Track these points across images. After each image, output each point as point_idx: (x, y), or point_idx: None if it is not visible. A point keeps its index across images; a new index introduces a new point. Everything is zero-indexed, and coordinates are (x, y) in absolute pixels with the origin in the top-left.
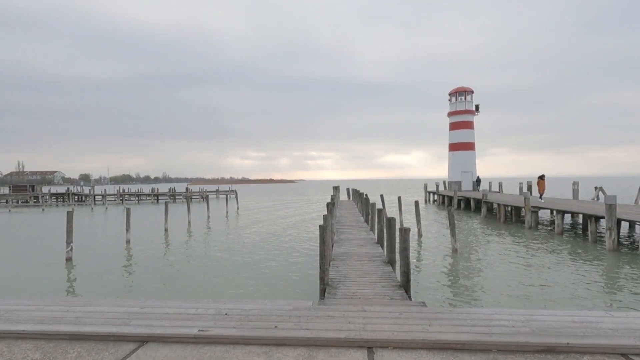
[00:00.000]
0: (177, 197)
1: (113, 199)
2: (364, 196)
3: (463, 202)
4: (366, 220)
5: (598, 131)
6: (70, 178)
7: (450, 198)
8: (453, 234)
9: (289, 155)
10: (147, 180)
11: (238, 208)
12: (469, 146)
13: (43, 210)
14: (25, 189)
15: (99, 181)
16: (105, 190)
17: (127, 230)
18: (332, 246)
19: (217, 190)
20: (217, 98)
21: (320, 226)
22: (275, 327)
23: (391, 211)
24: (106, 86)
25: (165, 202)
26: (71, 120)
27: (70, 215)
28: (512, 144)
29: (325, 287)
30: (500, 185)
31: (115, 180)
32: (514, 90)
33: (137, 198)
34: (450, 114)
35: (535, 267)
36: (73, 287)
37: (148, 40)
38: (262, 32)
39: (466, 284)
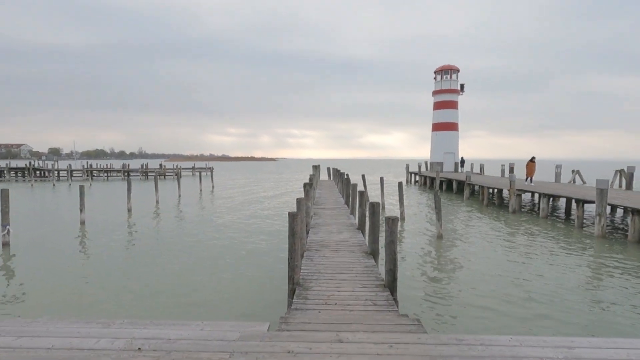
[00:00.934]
0: (149, 174)
1: (79, 175)
2: (345, 176)
3: (445, 184)
4: (346, 202)
5: (574, 116)
6: (38, 152)
7: (433, 179)
8: (439, 219)
9: (271, 133)
10: (122, 155)
11: (213, 187)
12: (452, 126)
13: None
14: None
15: (70, 156)
16: (70, 165)
17: (81, 210)
18: (308, 232)
19: (193, 168)
20: (196, 71)
21: (290, 214)
22: None
23: (373, 193)
24: (78, 56)
25: (128, 180)
26: (39, 90)
27: (5, 194)
28: (492, 127)
29: (294, 287)
30: (481, 167)
31: (87, 155)
32: (496, 74)
33: (106, 174)
34: (435, 93)
35: (525, 256)
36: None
37: (123, 8)
38: (245, 4)
39: (455, 280)
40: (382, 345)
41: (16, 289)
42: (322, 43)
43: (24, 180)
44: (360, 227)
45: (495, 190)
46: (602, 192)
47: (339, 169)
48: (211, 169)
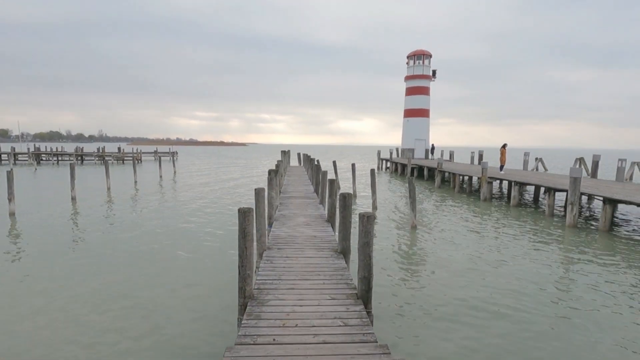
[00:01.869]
0: (106, 158)
1: (25, 159)
2: (315, 162)
3: (416, 170)
4: (316, 191)
5: (532, 106)
6: None
7: (404, 166)
8: (413, 209)
9: (241, 118)
10: (80, 138)
11: (175, 172)
12: (423, 113)
13: None
14: None
15: (21, 138)
16: (13, 148)
17: (10, 199)
18: (271, 226)
19: (156, 152)
20: (163, 51)
21: (240, 211)
22: None
23: (344, 180)
24: (29, 29)
25: (71, 164)
26: None
27: None
28: (457, 115)
29: (246, 301)
30: (451, 154)
31: (40, 137)
32: (464, 64)
33: (56, 158)
34: (407, 78)
35: (501, 249)
36: None
37: None
38: None
39: (432, 283)
40: None
41: None
42: (293, 25)
43: None
44: (330, 220)
45: (467, 178)
46: (575, 181)
47: (309, 154)
48: (173, 154)
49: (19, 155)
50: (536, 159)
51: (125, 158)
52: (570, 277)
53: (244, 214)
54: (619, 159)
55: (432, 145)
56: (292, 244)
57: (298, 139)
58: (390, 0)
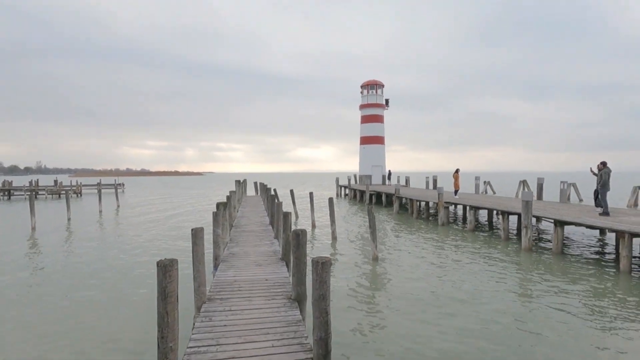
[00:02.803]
0: (39, 193)
1: None
2: (271, 192)
3: (375, 197)
4: (271, 223)
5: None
6: None
7: (362, 192)
8: (374, 239)
9: (196, 146)
10: (14, 171)
11: (119, 206)
12: (379, 140)
13: None
14: None
15: None
16: None
17: None
18: (217, 267)
19: (99, 184)
20: (113, 79)
21: (159, 264)
22: None
23: (303, 209)
24: None
25: None
26: None
27: None
28: (410, 142)
29: None
30: (407, 179)
31: None
32: (411, 92)
33: None
34: (362, 107)
35: (464, 278)
36: None
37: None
38: (165, 11)
39: (397, 316)
40: None
41: None
42: (250, 55)
43: None
44: (285, 258)
45: (424, 203)
46: (527, 205)
47: (267, 183)
48: (119, 186)
49: None
50: (485, 182)
51: (63, 192)
52: (534, 305)
53: (164, 268)
54: (561, 182)
55: (389, 171)
56: (238, 291)
57: (257, 167)
58: (343, 35)
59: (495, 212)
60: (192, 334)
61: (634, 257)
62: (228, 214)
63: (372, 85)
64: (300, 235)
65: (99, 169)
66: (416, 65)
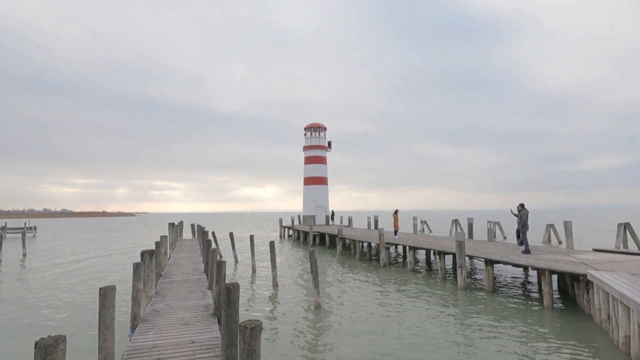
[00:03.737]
0: None
1: None
2: (208, 236)
3: (318, 238)
4: (206, 270)
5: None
6: None
7: (306, 233)
8: (316, 286)
9: (130, 185)
10: None
11: (25, 255)
12: (322, 180)
13: None
14: None
15: None
16: None
17: None
18: (135, 329)
19: (3, 228)
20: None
21: (39, 345)
22: None
23: (242, 251)
24: None
25: None
26: None
27: None
28: (352, 182)
29: None
30: (350, 219)
31: None
32: (352, 136)
33: None
34: (305, 148)
35: (406, 322)
36: None
37: None
38: (102, 39)
39: None
40: None
41: None
42: (193, 92)
43: None
44: (218, 313)
45: (366, 244)
46: (461, 245)
47: (209, 222)
48: (27, 230)
49: None
50: (422, 221)
51: None
52: (474, 351)
53: (44, 350)
54: (488, 221)
55: (332, 211)
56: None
57: (198, 206)
58: (286, 81)
59: (432, 251)
60: None
61: (555, 290)
62: (156, 262)
63: (315, 128)
64: (232, 291)
65: (7, 210)
66: (356, 112)
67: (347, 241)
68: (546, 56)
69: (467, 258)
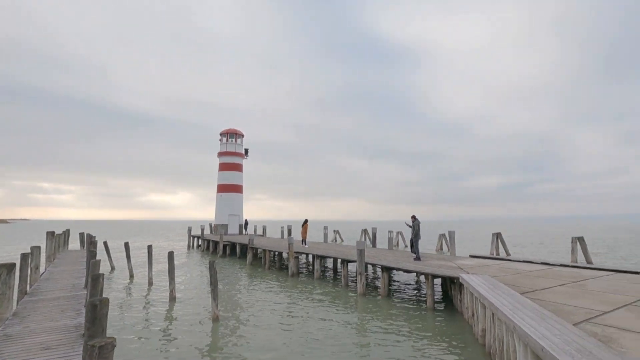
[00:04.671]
0: None
1: None
2: (96, 246)
3: (229, 248)
4: (87, 285)
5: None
6: None
7: (216, 243)
8: (215, 297)
9: (5, 186)
10: None
11: None
12: (237, 188)
13: None
14: None
15: None
16: None
17: None
18: None
19: None
20: None
21: None
22: None
23: (138, 266)
24: None
25: None
26: None
27: None
28: (271, 191)
29: None
30: (264, 228)
31: None
32: (272, 146)
33: None
34: (220, 154)
35: (302, 325)
36: None
37: None
38: None
39: None
40: None
41: None
42: (93, 84)
43: None
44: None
45: (276, 253)
46: (361, 253)
47: (103, 233)
48: None
49: None
50: (334, 231)
51: None
52: (369, 345)
53: None
54: (389, 231)
55: (246, 220)
56: None
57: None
58: (204, 80)
59: (339, 260)
60: None
61: (439, 293)
62: (20, 278)
63: (231, 134)
64: (98, 307)
65: None
66: (279, 122)
67: (258, 251)
68: (444, 87)
69: (369, 265)
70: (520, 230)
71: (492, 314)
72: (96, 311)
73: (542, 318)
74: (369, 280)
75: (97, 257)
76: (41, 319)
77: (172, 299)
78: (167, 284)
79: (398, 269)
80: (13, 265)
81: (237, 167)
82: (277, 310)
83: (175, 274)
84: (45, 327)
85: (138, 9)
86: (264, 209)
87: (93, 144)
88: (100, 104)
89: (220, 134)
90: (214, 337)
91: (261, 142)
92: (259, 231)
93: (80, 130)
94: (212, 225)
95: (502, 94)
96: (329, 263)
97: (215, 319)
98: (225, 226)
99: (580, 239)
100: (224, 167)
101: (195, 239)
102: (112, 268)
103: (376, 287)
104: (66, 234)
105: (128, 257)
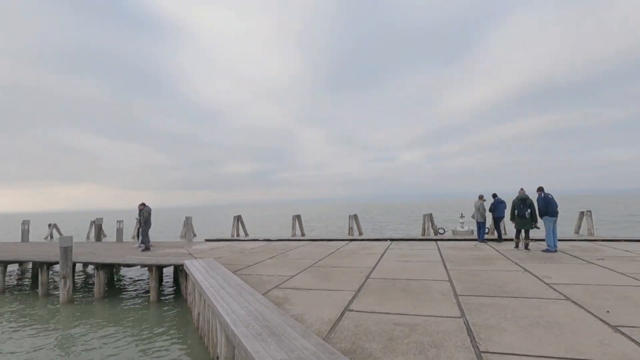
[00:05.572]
0: None
1: None
2: None
3: None
4: None
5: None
6: None
7: None
8: None
9: None
10: None
11: None
12: None
13: None
14: None
15: None
16: None
17: None
18: None
19: None
20: None
21: None
22: None
23: None
24: None
25: None
26: None
27: None
28: None
29: None
30: None
31: None
32: None
33: None
34: None
35: None
36: None
37: None
38: None
39: None
40: None
41: None
42: None
43: None
44: None
45: None
46: (66, 252)
47: None
48: None
49: None
50: (49, 225)
51: None
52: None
53: None
54: (118, 221)
55: None
56: None
57: None
58: None
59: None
60: None
61: (170, 283)
62: None
63: None
64: None
65: None
66: None
67: None
68: (203, 71)
69: (80, 265)
70: (267, 213)
71: (200, 295)
72: None
73: (240, 293)
74: (79, 284)
75: None
76: None
77: None
78: None
79: (118, 265)
80: None
81: None
82: None
83: None
84: None
85: None
86: None
87: None
88: None
89: None
90: None
91: None
92: None
93: None
94: None
95: (255, 88)
96: (29, 272)
97: None
98: None
99: (298, 217)
100: None
101: None
102: None
103: (92, 290)
104: None
105: None
